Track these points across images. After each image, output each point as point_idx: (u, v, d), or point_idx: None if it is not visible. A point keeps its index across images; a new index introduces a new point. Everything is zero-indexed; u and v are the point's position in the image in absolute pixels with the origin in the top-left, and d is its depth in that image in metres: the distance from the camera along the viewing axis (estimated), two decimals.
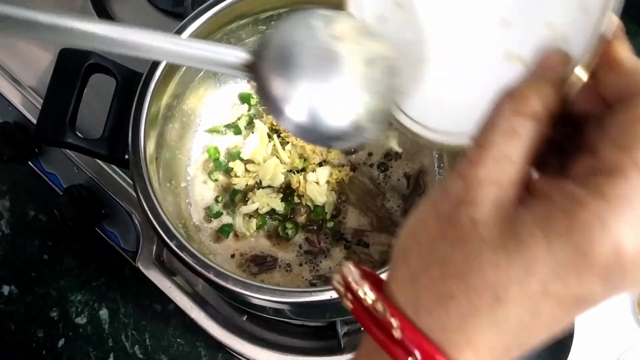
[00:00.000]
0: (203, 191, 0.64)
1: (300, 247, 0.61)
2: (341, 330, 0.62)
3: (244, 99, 0.66)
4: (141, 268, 0.67)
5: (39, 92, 0.75)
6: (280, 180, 0.63)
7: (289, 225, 0.61)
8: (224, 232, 0.61)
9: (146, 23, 0.79)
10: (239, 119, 0.66)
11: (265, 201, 0.62)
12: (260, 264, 0.61)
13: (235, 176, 0.64)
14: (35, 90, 0.76)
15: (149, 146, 0.52)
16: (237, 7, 0.56)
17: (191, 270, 0.46)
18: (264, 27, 0.62)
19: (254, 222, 0.62)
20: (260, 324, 0.65)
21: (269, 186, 0.63)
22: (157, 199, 0.48)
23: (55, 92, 0.51)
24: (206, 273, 0.45)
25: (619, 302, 0.72)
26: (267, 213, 0.62)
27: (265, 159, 0.63)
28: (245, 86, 0.68)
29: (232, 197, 0.63)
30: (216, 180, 0.64)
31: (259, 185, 0.63)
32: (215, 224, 0.62)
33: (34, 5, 0.32)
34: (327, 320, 0.61)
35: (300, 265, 0.61)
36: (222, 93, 0.66)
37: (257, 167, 0.63)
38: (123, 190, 0.70)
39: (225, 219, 0.62)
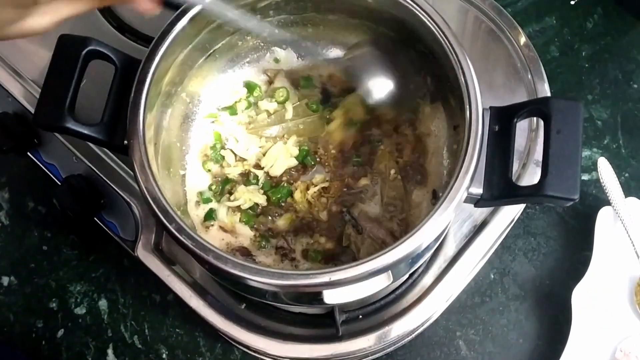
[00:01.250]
0: (199, 179, 0.64)
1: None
2: (339, 317, 0.62)
3: (251, 87, 0.67)
4: (140, 257, 0.67)
5: (38, 83, 0.76)
6: (280, 170, 0.64)
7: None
8: (209, 217, 0.62)
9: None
10: (237, 102, 0.66)
11: (248, 197, 0.62)
12: (246, 254, 0.61)
13: (227, 165, 0.64)
14: (35, 81, 0.76)
15: (147, 132, 0.52)
16: None
17: (190, 253, 0.46)
18: (262, 16, 0.62)
19: (238, 215, 0.62)
20: (258, 312, 0.66)
21: (265, 174, 0.64)
22: (156, 183, 0.48)
23: (53, 77, 0.52)
24: (205, 256, 0.45)
25: (617, 291, 0.73)
26: (251, 208, 0.63)
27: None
28: (248, 73, 0.68)
29: (224, 186, 0.63)
30: (209, 170, 0.64)
31: (252, 176, 0.64)
32: (201, 211, 0.62)
33: None
34: (325, 307, 0.61)
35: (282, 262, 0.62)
36: (222, 80, 0.66)
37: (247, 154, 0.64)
38: (122, 180, 0.70)
39: (214, 205, 0.63)
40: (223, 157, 0.64)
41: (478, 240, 0.67)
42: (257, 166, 0.65)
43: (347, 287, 0.47)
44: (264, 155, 0.65)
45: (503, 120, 0.51)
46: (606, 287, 0.73)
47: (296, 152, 0.65)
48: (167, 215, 0.46)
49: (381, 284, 0.53)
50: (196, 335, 0.77)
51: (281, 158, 0.64)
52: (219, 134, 0.65)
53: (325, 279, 0.44)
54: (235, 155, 0.65)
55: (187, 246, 0.46)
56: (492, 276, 0.77)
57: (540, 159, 0.50)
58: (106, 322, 0.79)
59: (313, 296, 0.52)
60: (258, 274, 0.45)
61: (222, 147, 0.65)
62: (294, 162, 0.65)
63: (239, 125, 0.66)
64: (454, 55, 0.51)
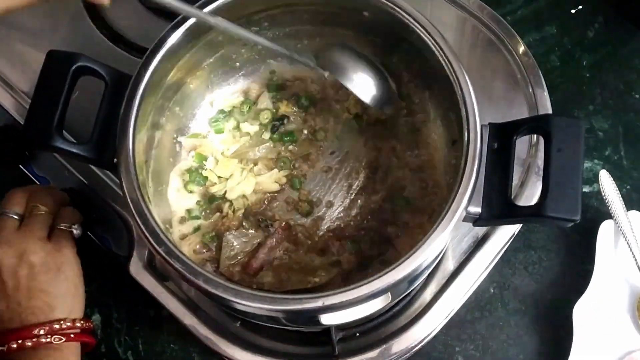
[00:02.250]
0: (186, 197, 0.63)
1: None
2: (336, 336, 0.61)
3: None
4: (133, 274, 0.66)
5: (30, 95, 0.74)
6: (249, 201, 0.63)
7: None
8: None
9: (140, 25, 0.78)
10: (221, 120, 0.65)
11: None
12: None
13: (212, 184, 0.63)
14: (27, 94, 0.75)
15: (138, 149, 0.51)
16: (229, 6, 0.55)
17: (180, 277, 0.45)
18: (257, 29, 0.61)
19: None
20: (254, 330, 0.64)
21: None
22: (145, 204, 0.47)
23: (42, 94, 0.50)
24: (195, 280, 0.44)
25: (618, 306, 0.71)
26: None
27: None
28: (243, 85, 0.67)
29: (210, 203, 0.62)
30: (191, 192, 0.63)
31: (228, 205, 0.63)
32: (186, 227, 0.62)
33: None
34: (321, 327, 0.60)
35: None
36: (216, 93, 0.65)
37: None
38: (115, 194, 0.69)
39: (201, 222, 0.62)
40: (207, 178, 0.63)
41: (478, 255, 0.66)
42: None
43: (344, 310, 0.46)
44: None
45: (502, 138, 0.49)
46: (608, 301, 0.71)
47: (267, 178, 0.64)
48: (156, 237, 0.45)
49: (379, 304, 0.52)
50: (191, 351, 0.76)
51: (244, 185, 0.63)
52: (201, 155, 0.64)
53: (318, 303, 0.43)
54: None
55: (177, 270, 0.44)
56: (492, 290, 0.76)
57: (540, 173, 0.49)
58: (100, 337, 0.77)
59: (309, 318, 0.51)
60: (249, 298, 0.43)
61: (203, 168, 0.64)
62: (274, 187, 0.64)
63: (222, 144, 0.65)
64: (452, 71, 0.50)
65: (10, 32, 0.78)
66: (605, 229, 0.73)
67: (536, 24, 0.89)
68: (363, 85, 0.59)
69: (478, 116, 0.48)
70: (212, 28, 0.56)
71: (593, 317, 0.70)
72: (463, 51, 0.76)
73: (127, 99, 0.50)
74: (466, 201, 0.46)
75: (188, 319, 0.64)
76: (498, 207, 0.48)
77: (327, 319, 0.49)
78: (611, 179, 0.73)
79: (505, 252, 0.73)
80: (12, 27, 0.78)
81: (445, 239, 0.46)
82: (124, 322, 0.78)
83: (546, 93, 0.72)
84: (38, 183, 0.76)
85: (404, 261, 0.45)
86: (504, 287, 0.76)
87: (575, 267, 0.76)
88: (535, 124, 0.48)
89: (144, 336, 0.77)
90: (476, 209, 0.48)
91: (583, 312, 0.70)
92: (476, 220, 0.49)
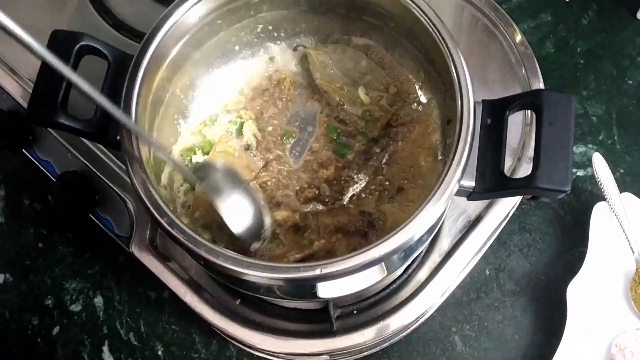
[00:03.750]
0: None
1: None
2: (334, 312, 0.62)
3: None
4: (135, 253, 0.67)
5: (33, 79, 0.75)
6: None
7: None
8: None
9: (142, 12, 0.79)
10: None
11: None
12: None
13: None
14: (30, 78, 0.76)
15: (141, 126, 0.52)
16: None
17: (182, 247, 0.46)
18: (254, 12, 0.62)
19: None
20: (253, 308, 0.66)
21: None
22: (148, 177, 0.48)
23: (47, 73, 0.52)
24: (197, 249, 0.45)
25: (612, 287, 0.73)
26: None
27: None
28: (242, 68, 0.67)
29: None
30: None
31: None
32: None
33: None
34: (319, 301, 0.61)
35: None
36: (215, 76, 0.66)
37: None
38: (117, 176, 0.70)
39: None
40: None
41: (472, 235, 0.67)
42: None
43: (341, 280, 0.47)
44: None
45: (495, 113, 0.51)
46: (601, 282, 0.73)
47: None
48: (158, 209, 0.46)
49: (375, 277, 0.53)
50: (192, 332, 0.77)
51: None
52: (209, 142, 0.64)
53: (316, 271, 0.44)
54: None
55: (179, 240, 0.46)
56: (488, 272, 0.77)
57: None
58: (102, 319, 0.79)
59: (307, 289, 0.52)
60: (249, 267, 0.45)
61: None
62: None
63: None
64: (445, 47, 0.51)
65: (12, 18, 0.79)
66: (599, 211, 0.74)
67: (531, 12, 0.90)
68: (238, 213, 0.54)
69: (472, 91, 0.49)
70: (213, 12, 0.57)
71: (586, 297, 0.72)
72: (460, 38, 0.77)
73: (130, 77, 0.51)
74: (460, 173, 0.48)
75: (189, 297, 0.65)
76: (491, 180, 0.49)
77: (324, 291, 0.50)
78: (605, 162, 0.74)
79: (500, 234, 0.74)
80: (15, 14, 0.78)
81: (440, 210, 0.47)
82: (125, 305, 0.79)
83: (541, 79, 0.73)
84: (41, 167, 0.77)
85: (398, 231, 0.46)
86: (500, 269, 0.77)
87: (570, 249, 0.77)
88: (527, 99, 0.50)
89: (145, 318, 0.78)
90: (470, 183, 0.49)
91: (576, 292, 0.71)
92: (470, 194, 0.50)
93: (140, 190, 0.48)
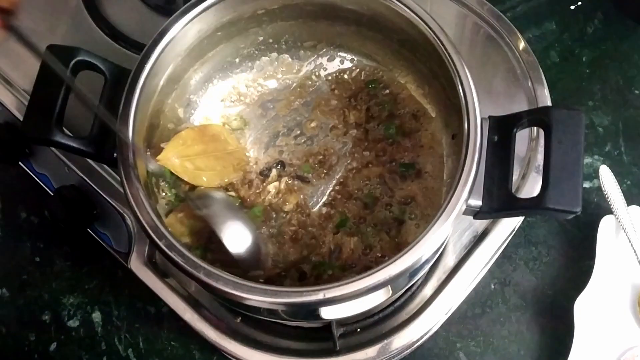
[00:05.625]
0: None
1: None
2: (337, 331, 0.61)
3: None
4: (133, 270, 0.66)
5: (29, 92, 0.74)
6: None
7: None
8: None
9: (139, 22, 0.78)
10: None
11: None
12: None
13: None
14: (26, 90, 0.75)
15: (137, 144, 0.50)
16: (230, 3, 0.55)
17: (181, 270, 0.45)
18: (254, 25, 0.61)
19: None
20: (254, 326, 0.64)
21: None
22: (145, 197, 0.47)
23: (41, 89, 0.50)
24: (196, 273, 0.44)
25: (619, 302, 0.71)
26: None
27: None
28: (241, 81, 0.66)
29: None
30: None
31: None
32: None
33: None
34: (322, 322, 0.60)
35: None
36: (215, 87, 0.65)
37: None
38: (114, 191, 0.69)
39: None
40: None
41: (478, 250, 0.66)
42: None
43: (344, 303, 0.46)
44: None
45: (502, 130, 0.49)
46: (609, 297, 0.71)
47: None
48: (156, 230, 0.45)
49: (380, 298, 0.52)
50: (191, 348, 0.75)
51: None
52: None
53: (319, 296, 0.43)
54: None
55: (177, 263, 0.44)
56: (493, 286, 0.76)
57: (541, 167, 0.48)
58: (100, 334, 0.77)
59: (309, 312, 0.50)
60: (250, 291, 0.43)
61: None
62: None
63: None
64: (451, 63, 0.50)
65: None
66: (606, 224, 0.73)
67: (536, 20, 0.89)
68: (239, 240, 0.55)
69: (478, 109, 0.48)
70: (214, 21, 0.56)
71: (594, 312, 0.70)
72: (463, 47, 0.76)
73: (127, 93, 0.50)
74: (467, 193, 0.46)
75: (188, 315, 0.64)
76: (499, 199, 0.48)
77: (327, 313, 0.49)
78: (611, 174, 0.73)
79: (505, 247, 0.73)
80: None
81: (447, 231, 0.46)
82: (124, 320, 0.78)
83: (546, 89, 0.72)
84: (38, 180, 0.76)
85: (404, 254, 0.45)
86: (505, 283, 0.76)
87: (576, 263, 0.76)
88: (535, 116, 0.48)
89: (144, 333, 0.77)
90: (477, 202, 0.48)
91: (584, 307, 0.70)
92: (477, 213, 0.49)
93: (136, 210, 0.46)
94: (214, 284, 0.44)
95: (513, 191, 0.49)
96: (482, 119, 0.49)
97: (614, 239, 0.73)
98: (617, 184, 0.73)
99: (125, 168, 0.48)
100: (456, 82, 0.49)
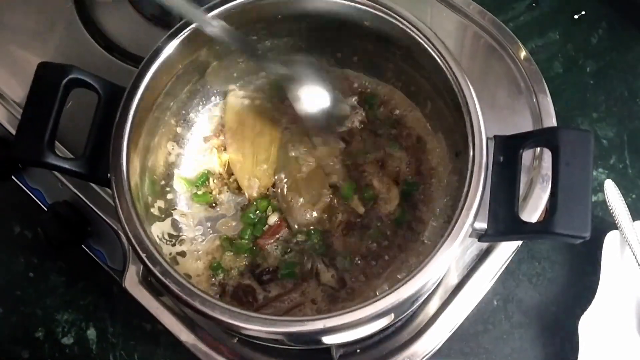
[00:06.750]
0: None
1: None
2: (336, 353, 0.60)
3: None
4: (128, 289, 0.64)
5: (22, 105, 0.73)
6: None
7: None
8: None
9: (135, 33, 0.77)
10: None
11: None
12: None
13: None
14: (19, 104, 0.73)
15: (133, 164, 0.49)
16: (232, 14, 0.54)
17: (176, 298, 0.43)
18: (255, 37, 0.59)
19: None
20: (251, 347, 0.62)
21: None
22: (140, 221, 0.45)
23: (33, 109, 0.49)
24: (191, 301, 0.43)
25: (625, 319, 0.70)
26: None
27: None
28: (238, 95, 0.65)
29: None
30: None
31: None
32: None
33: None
34: (322, 346, 0.58)
35: None
36: (212, 105, 0.63)
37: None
38: (109, 207, 0.67)
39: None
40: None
41: (481, 269, 0.64)
42: None
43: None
44: None
45: (508, 151, 0.48)
46: (614, 314, 0.70)
47: None
48: (151, 257, 0.44)
49: (382, 323, 0.50)
50: None
51: None
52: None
53: (319, 326, 0.42)
54: None
55: (172, 291, 0.43)
56: (496, 303, 0.74)
57: (545, 185, 0.47)
58: (95, 352, 0.76)
59: (309, 339, 0.49)
60: (247, 321, 0.42)
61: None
62: None
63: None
64: (456, 83, 0.48)
65: (2, 41, 0.76)
66: (611, 240, 0.72)
67: (539, 30, 0.87)
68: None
69: (484, 129, 0.47)
70: (209, 37, 0.54)
71: (599, 330, 0.69)
72: (464, 58, 0.74)
73: (121, 113, 0.49)
74: (472, 217, 0.45)
75: (184, 335, 0.62)
76: (504, 222, 0.47)
77: (328, 339, 0.47)
78: (616, 188, 0.72)
79: (508, 263, 0.71)
80: (4, 36, 0.76)
81: (452, 256, 0.45)
82: (119, 337, 0.76)
83: (550, 100, 0.71)
84: (31, 195, 0.74)
85: (407, 281, 0.43)
86: (508, 300, 0.75)
87: (581, 279, 0.75)
88: (542, 137, 0.47)
89: (140, 351, 0.75)
90: (482, 225, 0.47)
91: (589, 325, 0.69)
92: (482, 236, 0.48)
93: (130, 236, 0.45)
94: (210, 312, 0.42)
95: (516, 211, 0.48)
96: (487, 139, 0.47)
97: (619, 255, 0.71)
98: (622, 198, 0.71)
99: (119, 192, 0.46)
100: (461, 102, 0.48)
